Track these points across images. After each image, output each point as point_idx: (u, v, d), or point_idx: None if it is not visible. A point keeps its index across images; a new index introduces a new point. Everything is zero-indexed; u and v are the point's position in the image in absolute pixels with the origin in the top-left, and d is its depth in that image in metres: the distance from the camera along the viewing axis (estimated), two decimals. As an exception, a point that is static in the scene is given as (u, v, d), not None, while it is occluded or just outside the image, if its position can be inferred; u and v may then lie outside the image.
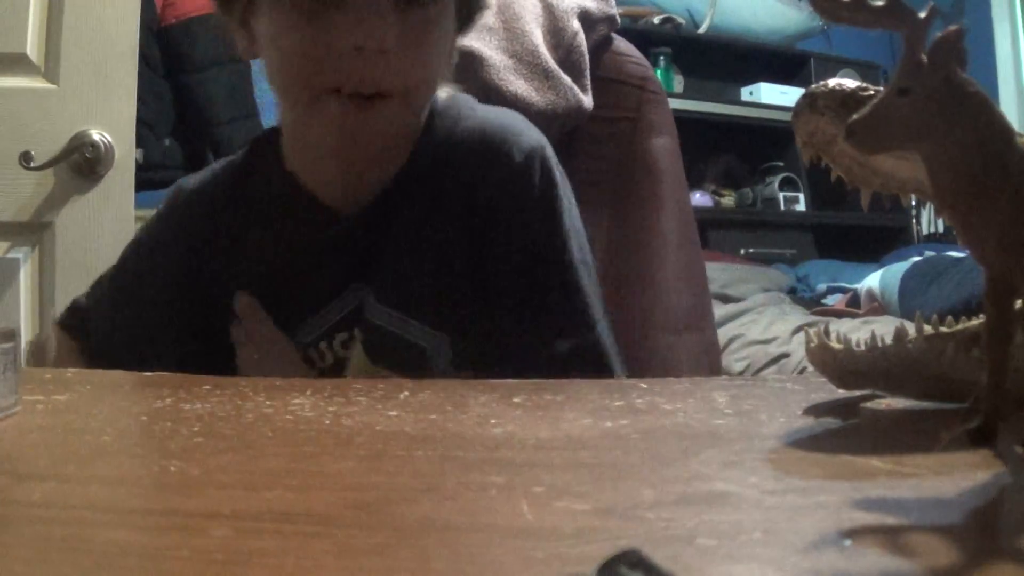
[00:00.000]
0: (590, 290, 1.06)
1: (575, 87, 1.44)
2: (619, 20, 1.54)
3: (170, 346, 1.10)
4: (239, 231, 1.12)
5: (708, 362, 1.45)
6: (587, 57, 1.47)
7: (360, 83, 0.97)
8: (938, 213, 0.50)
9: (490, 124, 1.10)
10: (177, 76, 2.75)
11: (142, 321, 1.13)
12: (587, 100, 1.45)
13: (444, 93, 1.14)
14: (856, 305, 3.29)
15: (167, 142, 2.76)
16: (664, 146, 1.50)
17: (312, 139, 1.06)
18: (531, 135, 1.09)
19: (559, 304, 1.04)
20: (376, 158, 1.07)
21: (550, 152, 1.09)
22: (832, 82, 0.61)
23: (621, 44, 1.55)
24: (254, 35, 1.04)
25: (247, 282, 1.09)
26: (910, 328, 0.62)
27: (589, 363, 1.03)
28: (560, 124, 1.39)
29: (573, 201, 1.10)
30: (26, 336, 1.81)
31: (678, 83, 4.41)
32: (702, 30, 4.51)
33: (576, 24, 1.48)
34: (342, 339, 1.06)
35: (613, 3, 1.54)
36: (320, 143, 1.05)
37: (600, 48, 1.51)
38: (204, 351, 1.09)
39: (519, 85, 1.41)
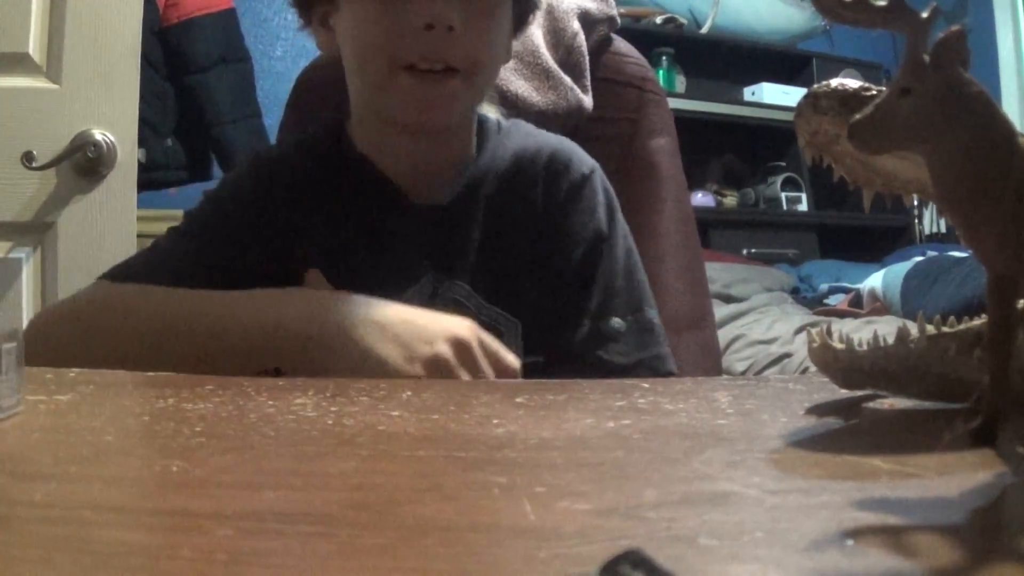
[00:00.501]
0: (643, 279, 1.20)
1: (575, 87, 1.44)
2: (619, 20, 1.54)
3: None
4: (318, 209, 1.17)
5: (708, 362, 1.46)
6: (587, 58, 1.47)
7: (430, 58, 1.07)
8: (940, 213, 0.50)
9: (557, 141, 1.23)
10: (179, 76, 2.76)
11: (212, 278, 1.11)
12: (587, 100, 1.46)
13: (504, 120, 1.27)
14: (858, 305, 3.29)
15: (169, 142, 2.77)
16: (664, 146, 1.50)
17: (388, 115, 1.14)
18: (583, 158, 1.22)
19: (618, 289, 1.17)
20: (443, 137, 1.16)
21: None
22: (834, 82, 0.61)
23: (621, 44, 1.55)
24: (332, 29, 1.16)
25: (323, 262, 1.13)
26: (912, 328, 0.62)
27: (646, 336, 1.15)
28: (560, 124, 1.40)
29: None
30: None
31: (680, 83, 4.41)
32: (704, 30, 4.51)
33: (576, 25, 1.48)
34: None
35: (613, 3, 1.54)
36: (395, 117, 1.14)
37: (600, 49, 1.51)
38: None
39: (519, 85, 1.41)
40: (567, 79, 1.44)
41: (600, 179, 1.20)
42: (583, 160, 1.20)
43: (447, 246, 1.15)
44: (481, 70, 1.11)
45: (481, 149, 1.20)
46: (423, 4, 1.05)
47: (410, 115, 1.11)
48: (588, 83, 1.47)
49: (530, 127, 1.26)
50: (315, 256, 1.13)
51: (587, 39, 1.49)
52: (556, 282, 1.14)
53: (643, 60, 1.56)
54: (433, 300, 1.11)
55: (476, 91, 1.15)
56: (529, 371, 1.08)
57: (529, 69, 1.43)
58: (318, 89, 1.47)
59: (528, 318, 1.12)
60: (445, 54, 1.06)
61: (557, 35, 1.47)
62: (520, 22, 1.22)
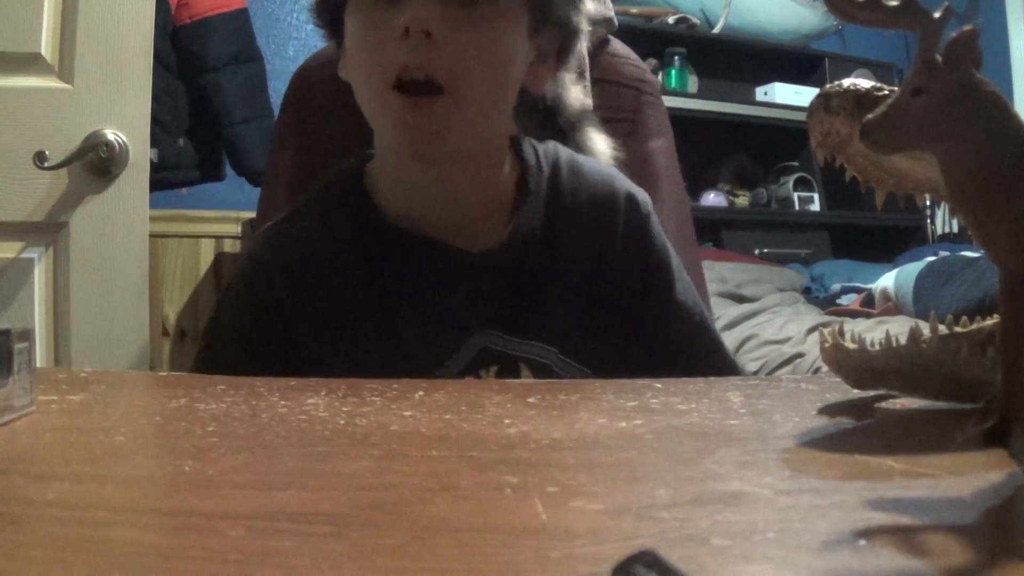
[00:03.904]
0: (698, 301, 1.20)
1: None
2: (616, 22, 1.53)
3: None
4: (347, 276, 1.10)
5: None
6: (587, 59, 1.47)
7: (409, 67, 1.00)
8: (953, 213, 0.50)
9: (622, 179, 1.19)
10: (192, 76, 2.76)
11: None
12: (588, 101, 1.45)
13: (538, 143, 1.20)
14: (870, 305, 3.28)
15: (182, 142, 2.77)
16: (661, 148, 1.50)
17: (387, 145, 1.09)
18: (644, 192, 1.19)
19: (674, 320, 1.16)
20: (460, 169, 1.09)
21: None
22: (846, 82, 0.61)
23: (618, 46, 1.54)
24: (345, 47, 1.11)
25: (375, 331, 1.08)
26: (925, 328, 0.62)
27: (708, 346, 1.18)
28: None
29: None
30: (41, 337, 1.81)
31: (693, 83, 4.40)
32: (717, 30, 4.50)
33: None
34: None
35: (610, 5, 1.54)
36: (394, 148, 1.09)
37: (597, 50, 1.50)
38: None
39: None
40: None
41: (654, 219, 1.17)
42: (640, 202, 1.16)
43: (490, 300, 1.09)
44: (469, 85, 1.02)
45: (530, 188, 1.13)
46: (402, 6, 0.99)
47: (403, 142, 1.05)
48: (588, 84, 1.46)
49: (578, 157, 1.20)
50: (360, 323, 1.08)
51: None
52: (589, 311, 1.11)
53: (640, 62, 1.55)
54: (482, 357, 1.07)
55: (471, 109, 1.04)
56: None
57: None
58: (315, 87, 1.46)
59: (563, 343, 1.09)
60: (425, 63, 0.99)
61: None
62: (563, 52, 1.14)
